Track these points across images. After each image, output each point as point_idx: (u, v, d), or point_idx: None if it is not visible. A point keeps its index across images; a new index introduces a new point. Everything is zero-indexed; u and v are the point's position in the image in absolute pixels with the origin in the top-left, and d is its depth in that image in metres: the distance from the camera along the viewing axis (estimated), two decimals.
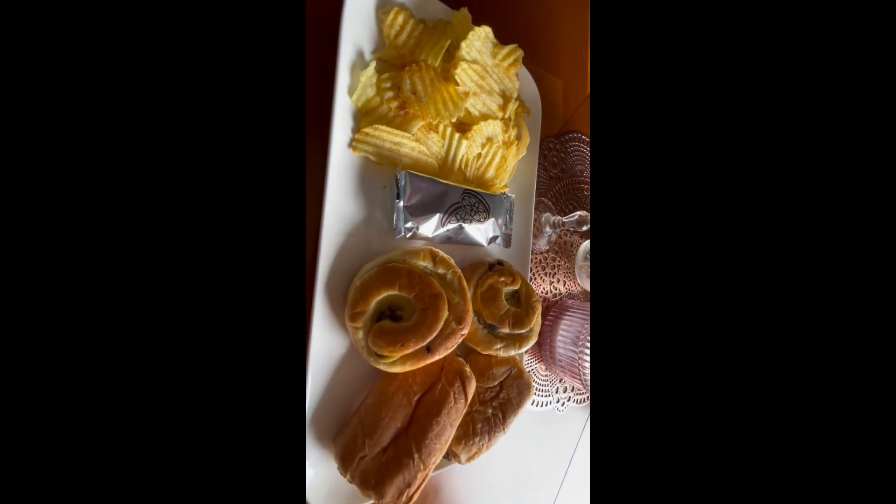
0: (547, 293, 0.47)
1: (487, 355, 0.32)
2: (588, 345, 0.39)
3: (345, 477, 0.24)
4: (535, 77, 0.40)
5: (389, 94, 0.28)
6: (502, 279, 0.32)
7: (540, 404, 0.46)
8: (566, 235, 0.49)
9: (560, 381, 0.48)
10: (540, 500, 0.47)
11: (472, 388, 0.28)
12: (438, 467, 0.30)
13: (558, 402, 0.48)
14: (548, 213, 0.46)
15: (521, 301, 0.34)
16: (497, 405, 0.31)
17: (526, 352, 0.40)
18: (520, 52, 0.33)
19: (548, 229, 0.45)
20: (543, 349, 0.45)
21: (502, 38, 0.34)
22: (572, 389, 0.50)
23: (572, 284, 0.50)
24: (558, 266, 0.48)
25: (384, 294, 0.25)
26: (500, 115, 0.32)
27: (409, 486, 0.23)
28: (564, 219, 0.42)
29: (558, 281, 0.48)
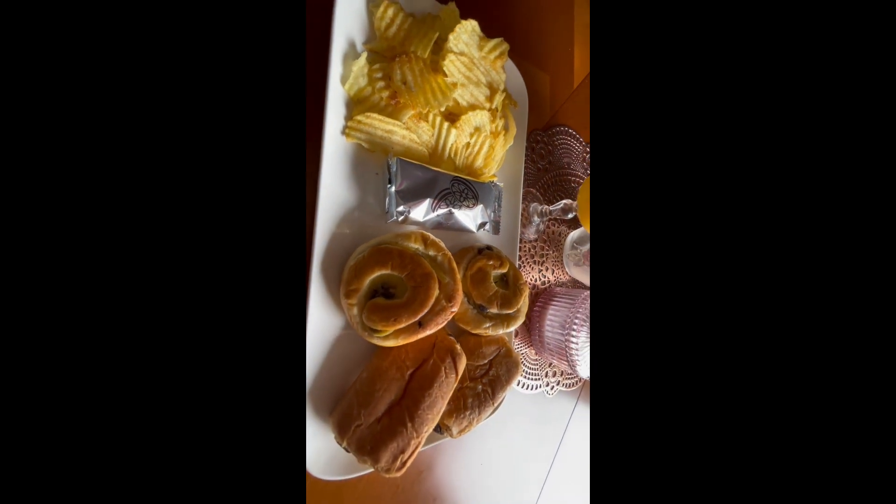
0: (536, 281, 0.49)
1: (477, 335, 0.34)
2: (574, 329, 0.41)
3: (341, 445, 0.26)
4: (522, 71, 0.42)
5: (380, 83, 0.29)
6: (491, 262, 0.34)
7: (530, 388, 0.48)
8: (554, 225, 0.51)
9: (549, 365, 0.50)
10: (530, 480, 0.49)
11: (462, 363, 0.29)
12: (431, 440, 0.31)
13: (548, 385, 0.50)
14: (535, 203, 0.48)
15: (510, 283, 0.35)
16: (487, 382, 0.32)
17: (515, 331, 0.42)
18: (505, 46, 0.34)
19: (536, 218, 0.47)
20: (533, 335, 0.47)
21: (490, 33, 0.36)
22: (561, 374, 0.52)
23: (560, 273, 0.52)
24: (546, 255, 0.50)
25: (377, 273, 0.27)
26: (487, 105, 0.34)
27: (402, 452, 0.25)
28: (551, 207, 0.44)
29: (547, 269, 0.50)
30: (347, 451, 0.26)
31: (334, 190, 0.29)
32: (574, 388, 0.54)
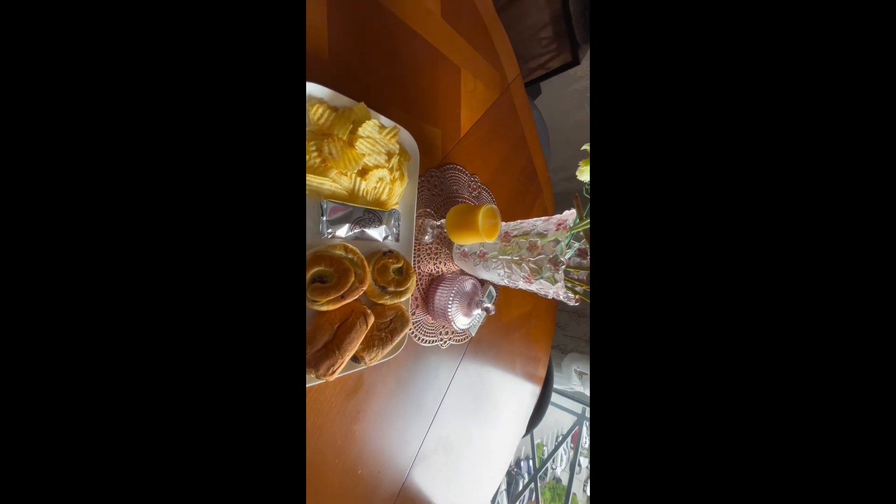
0: (432, 271, 0.72)
1: (382, 304, 0.55)
2: (450, 300, 0.66)
3: None
4: (419, 128, 0.63)
5: (315, 153, 0.48)
6: (390, 260, 0.55)
7: (428, 342, 0.72)
8: (444, 233, 0.75)
9: (442, 327, 0.75)
10: (429, 404, 0.73)
11: (370, 320, 0.50)
12: (350, 368, 0.52)
13: (441, 341, 0.75)
14: (430, 219, 0.71)
15: (403, 272, 0.57)
16: (387, 331, 0.54)
17: (415, 304, 0.64)
18: (397, 129, 0.55)
19: (429, 229, 0.70)
20: (429, 306, 0.70)
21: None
22: (452, 333, 0.77)
23: (451, 265, 0.76)
24: (440, 252, 0.74)
25: (315, 269, 0.46)
26: (387, 165, 0.55)
27: (332, 365, 0.45)
28: (437, 223, 0.68)
29: (441, 262, 0.74)
30: None
31: None
32: (462, 343, 0.80)
